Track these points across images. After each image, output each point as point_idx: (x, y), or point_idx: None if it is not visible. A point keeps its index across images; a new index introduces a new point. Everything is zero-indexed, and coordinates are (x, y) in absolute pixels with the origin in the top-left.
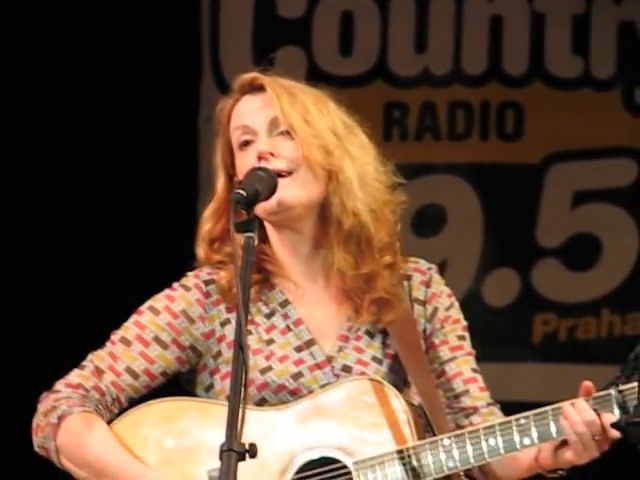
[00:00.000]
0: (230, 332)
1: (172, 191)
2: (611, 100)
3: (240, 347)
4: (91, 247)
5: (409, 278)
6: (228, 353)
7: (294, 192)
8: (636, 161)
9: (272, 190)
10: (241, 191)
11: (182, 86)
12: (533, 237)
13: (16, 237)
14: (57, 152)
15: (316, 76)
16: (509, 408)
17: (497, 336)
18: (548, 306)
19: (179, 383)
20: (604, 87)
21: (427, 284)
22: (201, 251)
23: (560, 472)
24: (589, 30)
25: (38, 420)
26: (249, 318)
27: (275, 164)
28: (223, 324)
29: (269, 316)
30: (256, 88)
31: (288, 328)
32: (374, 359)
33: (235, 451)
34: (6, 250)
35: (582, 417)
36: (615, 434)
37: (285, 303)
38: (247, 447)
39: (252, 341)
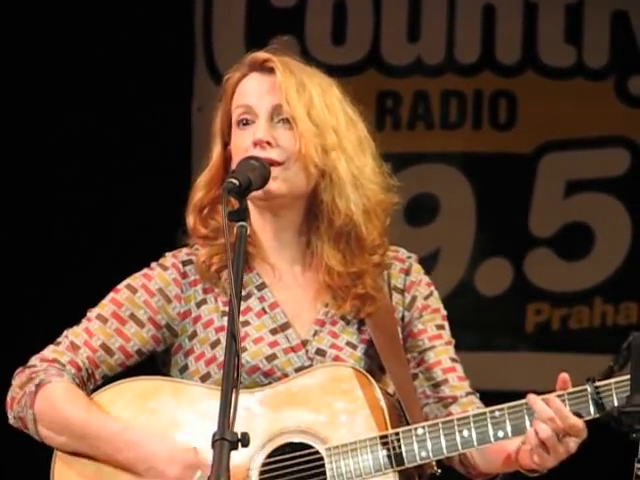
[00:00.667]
0: (206, 313)
1: (166, 179)
2: (604, 89)
3: (233, 336)
4: (84, 236)
5: (389, 266)
6: (203, 333)
7: (281, 183)
8: (629, 150)
9: (265, 180)
10: (234, 180)
11: (175, 75)
12: (526, 226)
13: (15, 224)
14: (51, 141)
15: (309, 65)
16: (502, 397)
17: (490, 325)
18: (541, 295)
19: (156, 364)
20: (597, 77)
21: (406, 272)
22: (190, 219)
23: (537, 473)
24: (582, 19)
25: (14, 393)
26: (224, 300)
27: (270, 153)
28: (199, 305)
29: (245, 298)
30: (266, 69)
31: (264, 311)
32: (348, 344)
33: (228, 440)
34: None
35: (557, 414)
36: (584, 434)
37: (262, 286)
38: (239, 436)
39: (227, 322)
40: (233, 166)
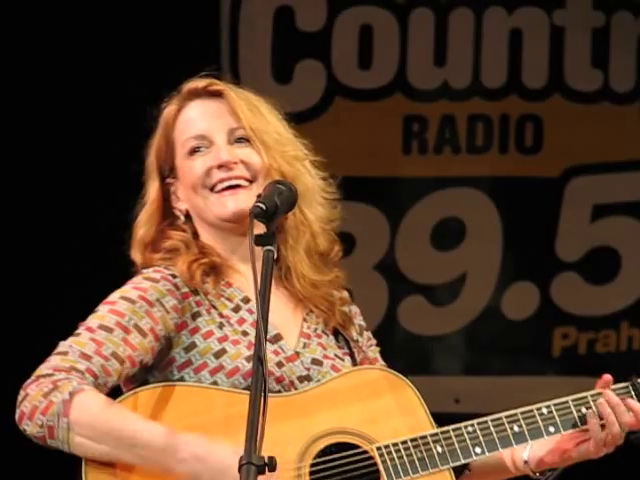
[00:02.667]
0: (204, 324)
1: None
2: (630, 113)
3: (260, 360)
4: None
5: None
6: (204, 344)
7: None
8: None
9: (291, 205)
10: (260, 204)
11: None
12: (552, 250)
13: (30, 233)
14: (72, 155)
15: (335, 89)
16: None
17: (516, 349)
18: (567, 320)
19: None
20: (623, 100)
21: (349, 302)
22: (138, 255)
23: (549, 472)
24: (608, 44)
25: (35, 402)
26: (218, 312)
27: (237, 172)
28: (194, 316)
29: (236, 310)
30: (210, 94)
31: (256, 322)
32: (336, 356)
33: (254, 464)
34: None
35: (614, 406)
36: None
37: (246, 300)
38: (266, 460)
39: (229, 332)
40: (182, 194)
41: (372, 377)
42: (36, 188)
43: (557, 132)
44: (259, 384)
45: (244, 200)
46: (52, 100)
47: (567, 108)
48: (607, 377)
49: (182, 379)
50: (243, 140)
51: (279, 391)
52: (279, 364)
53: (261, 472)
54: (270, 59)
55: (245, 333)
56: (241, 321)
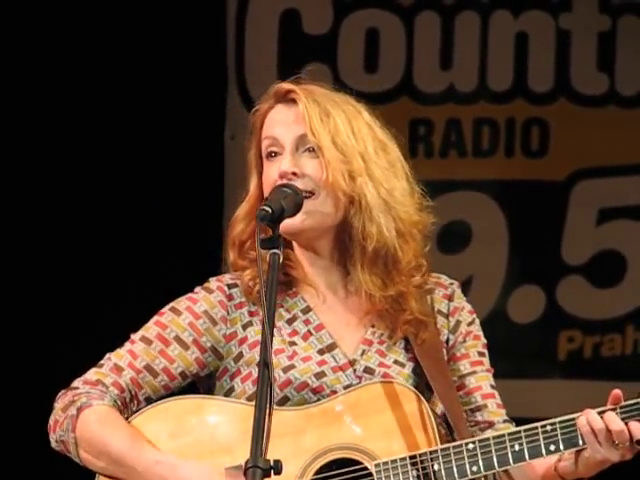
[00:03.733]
0: (252, 334)
1: (199, 207)
2: (636, 117)
3: (265, 364)
4: (117, 266)
5: (431, 291)
6: (250, 354)
7: (312, 218)
8: None
9: (297, 207)
10: (266, 208)
11: (208, 103)
12: (558, 254)
13: (61, 257)
14: (83, 170)
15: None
16: None
17: (522, 353)
18: (573, 323)
19: (197, 392)
20: (629, 104)
21: (449, 298)
22: (230, 254)
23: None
24: (614, 47)
25: (57, 416)
26: None
27: (296, 184)
28: (245, 326)
29: (290, 321)
30: (290, 100)
31: (310, 333)
32: (396, 362)
33: (260, 468)
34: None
35: (611, 427)
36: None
37: (307, 310)
38: (272, 463)
39: (275, 342)
40: (265, 196)
41: (387, 391)
42: (68, 221)
43: (563, 136)
44: (265, 388)
45: (302, 211)
46: (57, 105)
47: (573, 112)
48: (617, 393)
49: (232, 389)
50: (312, 150)
51: (318, 401)
52: (319, 374)
53: (267, 475)
54: (276, 62)
55: (293, 344)
56: (292, 333)
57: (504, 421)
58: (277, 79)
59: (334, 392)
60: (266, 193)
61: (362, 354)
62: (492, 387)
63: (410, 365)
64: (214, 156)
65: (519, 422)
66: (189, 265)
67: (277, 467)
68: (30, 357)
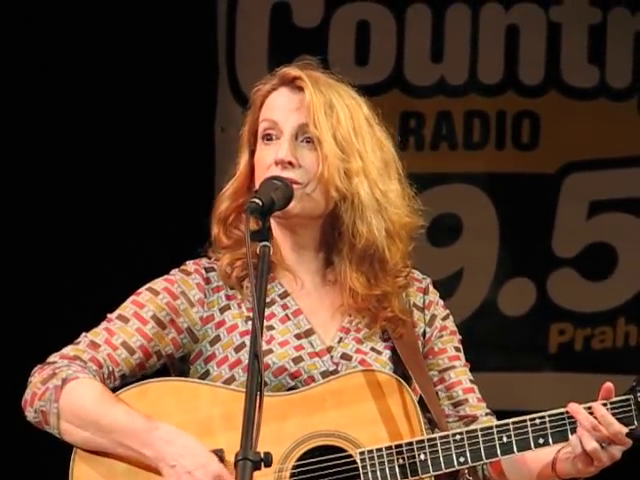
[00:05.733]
0: (230, 318)
1: (188, 199)
2: (627, 110)
3: (255, 356)
4: (107, 252)
5: (406, 286)
6: (227, 338)
7: (296, 203)
8: None
9: (288, 200)
10: (256, 200)
11: (199, 95)
12: (549, 247)
13: (42, 230)
14: (72, 162)
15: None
16: None
17: (513, 346)
18: (564, 316)
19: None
20: (620, 97)
21: (424, 292)
22: (215, 229)
23: None
24: (605, 40)
25: (35, 389)
26: (248, 307)
27: (291, 173)
28: (222, 310)
29: (268, 305)
30: (296, 86)
31: (287, 317)
32: (373, 350)
33: (250, 460)
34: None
35: (601, 421)
36: (629, 442)
37: (284, 294)
38: (262, 456)
39: (251, 330)
40: (256, 178)
41: (372, 379)
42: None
43: (554, 128)
44: (255, 380)
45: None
46: (51, 100)
47: (564, 104)
48: (608, 386)
49: (207, 372)
50: (310, 141)
51: (295, 386)
52: (297, 359)
53: (257, 468)
54: (267, 55)
55: (270, 328)
56: (270, 316)
57: (486, 414)
58: (268, 72)
59: (311, 377)
60: (258, 174)
61: (339, 341)
62: (471, 381)
63: (387, 353)
64: (204, 148)
65: (510, 415)
66: (178, 256)
67: (267, 460)
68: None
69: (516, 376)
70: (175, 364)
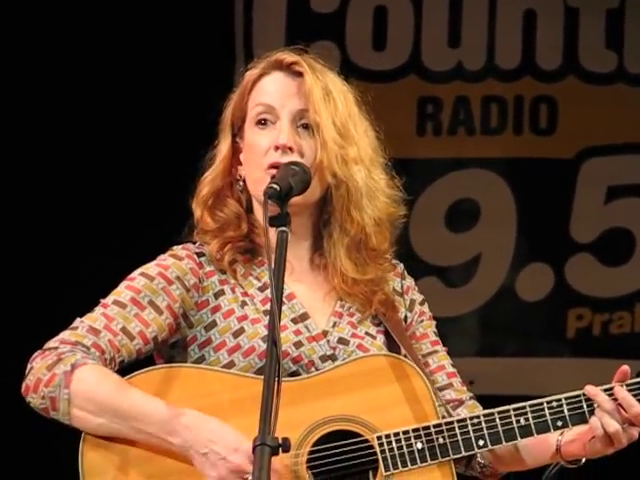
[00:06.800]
0: (226, 303)
1: (191, 185)
2: None
3: (274, 342)
4: (100, 232)
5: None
6: (224, 323)
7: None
8: None
9: (306, 185)
10: (275, 185)
11: (215, 81)
12: (567, 232)
13: (32, 216)
14: (90, 134)
15: (350, 71)
16: None
17: (531, 331)
18: (582, 301)
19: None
20: (638, 82)
21: (402, 276)
22: (198, 212)
23: (581, 462)
24: (623, 25)
25: (39, 374)
26: (242, 291)
27: (291, 159)
28: (217, 295)
29: (262, 289)
30: (292, 71)
31: (282, 301)
32: (367, 334)
33: (269, 445)
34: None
35: (622, 403)
36: None
37: None
38: (280, 441)
39: (249, 311)
40: (249, 163)
41: (381, 364)
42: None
43: (571, 113)
44: (273, 366)
45: None
46: (63, 80)
47: (581, 89)
48: (624, 369)
49: (202, 357)
50: (308, 127)
51: (296, 371)
52: (297, 344)
53: (275, 453)
54: (284, 41)
55: (267, 312)
56: (265, 300)
57: (470, 398)
58: None
59: (311, 362)
60: (254, 159)
61: (333, 326)
62: (452, 366)
63: (381, 337)
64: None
65: (527, 400)
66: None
67: (285, 445)
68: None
69: (534, 361)
70: (164, 350)
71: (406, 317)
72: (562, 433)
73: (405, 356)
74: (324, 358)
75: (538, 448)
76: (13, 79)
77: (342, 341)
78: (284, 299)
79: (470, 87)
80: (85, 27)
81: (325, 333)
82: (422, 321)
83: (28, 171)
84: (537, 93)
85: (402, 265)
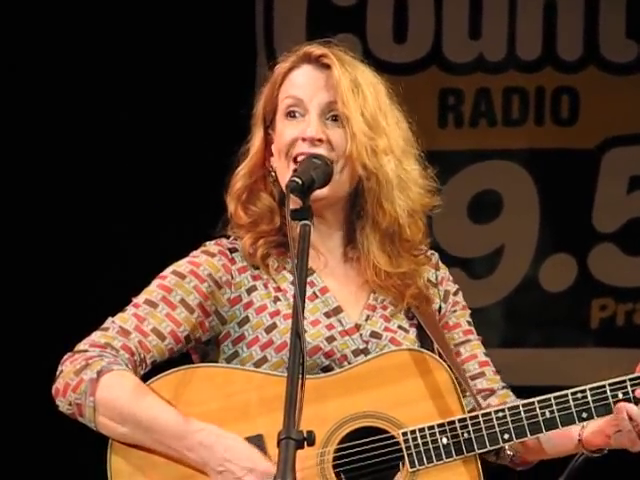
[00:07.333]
0: (258, 299)
1: (222, 181)
2: None
3: (297, 335)
4: (127, 231)
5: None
6: (257, 319)
7: (330, 185)
8: None
9: (328, 178)
10: (297, 179)
11: (237, 75)
12: (589, 222)
13: (62, 216)
14: (115, 131)
15: (371, 63)
16: None
17: (554, 321)
18: (605, 291)
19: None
20: None
21: (436, 267)
22: (232, 206)
23: (605, 451)
24: None
25: (68, 379)
26: (275, 286)
27: (320, 150)
28: (249, 291)
29: (294, 283)
30: (321, 64)
31: (315, 295)
32: (400, 327)
33: (293, 439)
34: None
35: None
36: None
37: (310, 272)
38: (305, 435)
39: (282, 306)
40: (276, 152)
41: (405, 359)
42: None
43: (593, 104)
44: (297, 359)
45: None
46: (85, 73)
47: (602, 79)
48: None
49: (236, 354)
50: (337, 119)
51: (329, 365)
52: (330, 338)
53: (300, 447)
54: (305, 34)
55: None
56: None
57: (502, 387)
58: None
59: (344, 356)
60: (280, 148)
61: (367, 319)
62: (486, 355)
63: (413, 331)
64: (243, 129)
65: (551, 390)
66: (202, 235)
67: (310, 438)
68: (28, 321)
69: (558, 352)
70: (198, 347)
71: (440, 308)
72: (583, 426)
73: (437, 350)
74: (357, 352)
75: (561, 439)
76: (38, 77)
77: (375, 335)
78: (317, 293)
79: (491, 78)
80: (113, 25)
81: (358, 327)
82: (455, 311)
83: (60, 168)
84: (558, 84)
85: (437, 255)
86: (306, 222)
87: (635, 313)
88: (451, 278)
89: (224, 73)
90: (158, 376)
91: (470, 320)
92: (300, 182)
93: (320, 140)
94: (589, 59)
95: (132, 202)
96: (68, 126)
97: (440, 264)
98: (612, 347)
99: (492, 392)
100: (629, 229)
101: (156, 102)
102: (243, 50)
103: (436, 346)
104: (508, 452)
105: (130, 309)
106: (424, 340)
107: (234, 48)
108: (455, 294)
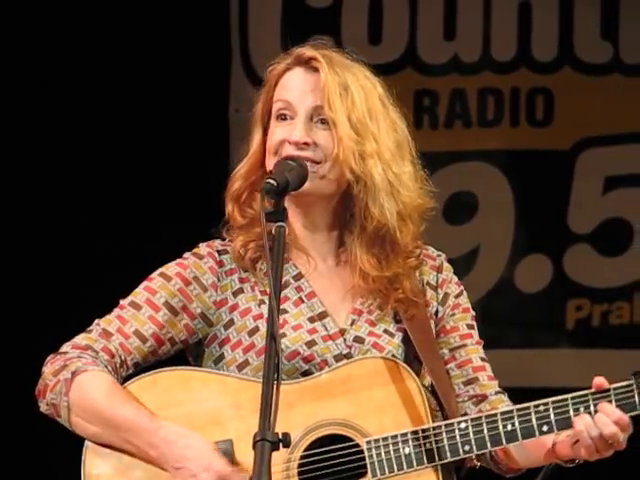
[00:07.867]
0: (244, 302)
1: (203, 179)
2: None
3: (272, 337)
4: (118, 234)
5: (420, 264)
6: (241, 322)
7: (313, 182)
8: None
9: (302, 180)
10: (271, 181)
11: (212, 76)
12: (565, 223)
13: (55, 219)
14: (89, 145)
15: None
16: (542, 394)
17: (530, 322)
18: (581, 292)
19: (186, 359)
20: (633, 72)
21: (438, 270)
22: (229, 207)
23: (577, 461)
24: (618, 15)
25: (47, 380)
26: (262, 289)
27: (306, 153)
28: (236, 293)
29: (283, 287)
30: (311, 66)
31: (301, 300)
32: (386, 332)
33: (269, 441)
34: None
35: (604, 432)
36: (630, 428)
37: (298, 276)
38: (280, 437)
39: (266, 310)
40: (267, 155)
41: (379, 366)
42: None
43: (568, 105)
44: (272, 361)
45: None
46: (59, 77)
47: (577, 80)
48: (599, 382)
49: (222, 356)
50: (325, 122)
51: (308, 370)
52: (310, 343)
53: (275, 448)
54: (280, 35)
55: (283, 311)
56: (283, 299)
57: (496, 393)
58: (281, 52)
59: (324, 361)
60: (270, 150)
61: (352, 324)
62: (482, 359)
63: (399, 335)
64: (219, 130)
65: (528, 392)
66: (192, 237)
67: (285, 440)
68: (16, 322)
69: (534, 353)
70: (190, 348)
71: (437, 311)
72: (558, 434)
73: (416, 357)
74: (339, 357)
75: (536, 449)
76: (37, 77)
77: (358, 339)
78: (304, 298)
79: (466, 79)
80: (103, 26)
81: (343, 332)
82: (454, 314)
83: (52, 169)
84: (533, 85)
85: (444, 257)
86: (281, 224)
87: (610, 314)
88: (454, 280)
89: (199, 75)
90: (135, 378)
91: (472, 323)
92: (275, 184)
93: (306, 144)
94: (564, 60)
95: (131, 203)
96: (62, 129)
97: (445, 266)
98: (588, 348)
99: (484, 398)
100: (604, 230)
101: (132, 105)
102: (218, 52)
103: (418, 351)
104: (475, 462)
105: (115, 311)
106: (410, 346)
107: (209, 50)
108: (457, 296)
